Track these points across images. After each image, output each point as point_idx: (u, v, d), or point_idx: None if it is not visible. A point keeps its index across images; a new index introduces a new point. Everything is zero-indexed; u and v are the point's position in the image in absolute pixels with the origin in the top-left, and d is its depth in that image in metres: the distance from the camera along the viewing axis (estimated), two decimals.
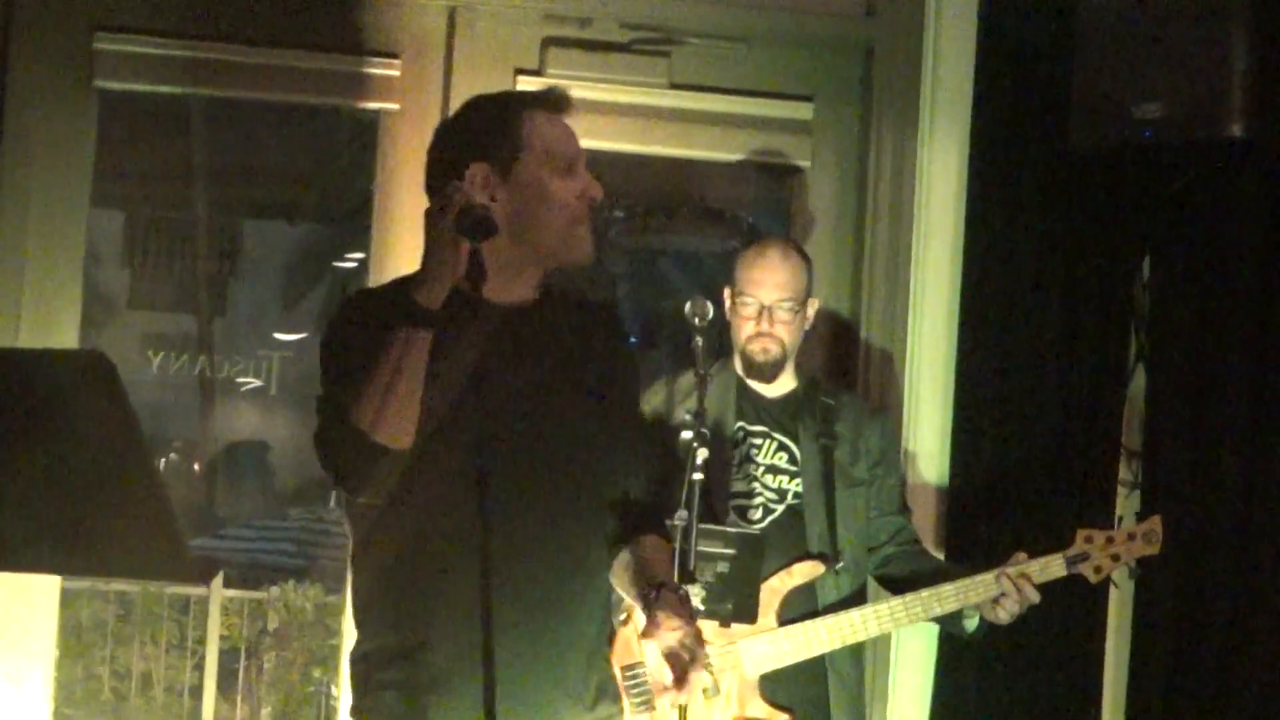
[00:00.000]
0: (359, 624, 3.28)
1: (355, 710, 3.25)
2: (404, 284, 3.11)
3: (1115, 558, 4.34)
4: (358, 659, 3.26)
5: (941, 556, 4.87)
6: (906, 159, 5.10)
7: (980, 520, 4.89)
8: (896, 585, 4.45)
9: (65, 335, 4.87)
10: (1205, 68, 4.47)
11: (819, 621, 4.30)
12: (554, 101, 3.25)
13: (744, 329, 4.43)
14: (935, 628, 4.63)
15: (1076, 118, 4.70)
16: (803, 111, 5.24)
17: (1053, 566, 4.31)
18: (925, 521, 4.96)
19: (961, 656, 4.80)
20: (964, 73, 5.04)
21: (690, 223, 6.02)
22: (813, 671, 4.34)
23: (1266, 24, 4.48)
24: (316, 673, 7.52)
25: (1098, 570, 4.33)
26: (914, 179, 5.08)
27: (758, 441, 4.44)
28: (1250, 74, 4.45)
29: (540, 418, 3.09)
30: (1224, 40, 4.46)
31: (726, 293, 4.49)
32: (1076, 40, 4.71)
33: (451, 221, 2.98)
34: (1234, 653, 4.74)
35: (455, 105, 4.95)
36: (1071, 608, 4.74)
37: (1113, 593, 4.89)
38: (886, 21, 5.18)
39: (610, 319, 3.39)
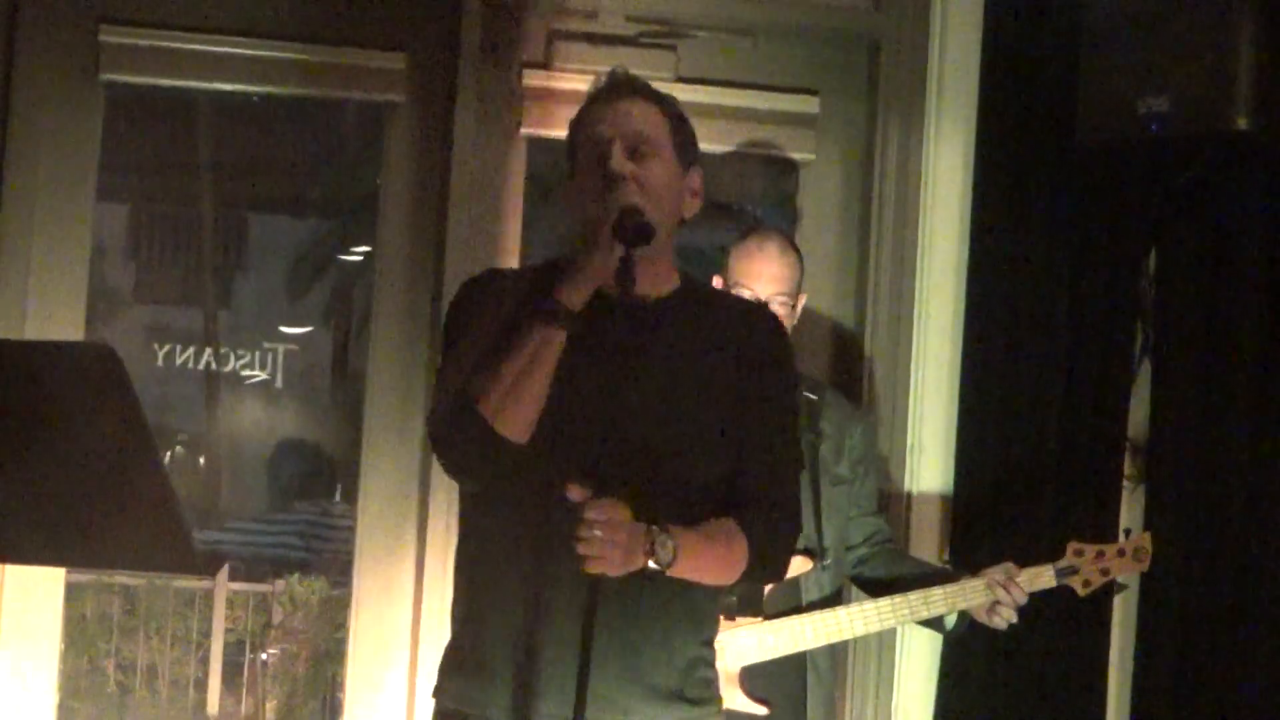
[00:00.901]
0: (455, 617, 3.26)
1: (439, 690, 3.24)
2: (548, 271, 3.13)
3: (1104, 572, 4.35)
4: (450, 648, 3.25)
5: (946, 551, 4.88)
6: (912, 152, 5.10)
7: (985, 513, 4.89)
8: (873, 587, 4.45)
9: (71, 328, 4.87)
10: (1212, 61, 4.47)
11: (805, 618, 4.30)
12: (602, 86, 3.22)
13: None
14: None
15: (1082, 111, 4.70)
16: (808, 105, 5.24)
17: (1043, 577, 4.32)
18: (930, 515, 4.97)
19: (967, 652, 4.79)
20: (970, 66, 5.04)
21: (696, 216, 6.00)
22: (792, 666, 4.35)
23: (1273, 17, 4.47)
24: (322, 666, 7.52)
25: (1086, 584, 4.34)
26: (920, 173, 5.07)
27: None
28: (1257, 67, 4.44)
29: (656, 418, 3.06)
30: (1230, 34, 4.45)
31: (717, 282, 4.48)
32: (1083, 34, 4.71)
33: (610, 227, 2.99)
34: (1241, 647, 4.73)
35: (461, 98, 5.00)
36: (1076, 604, 4.73)
37: (1118, 601, 4.88)
38: (892, 15, 5.18)
39: (756, 318, 3.34)
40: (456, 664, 3.22)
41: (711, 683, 3.24)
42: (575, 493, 2.87)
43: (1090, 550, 4.35)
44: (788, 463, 3.30)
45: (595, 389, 3.02)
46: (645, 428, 3.04)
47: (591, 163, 3.12)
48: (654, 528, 2.97)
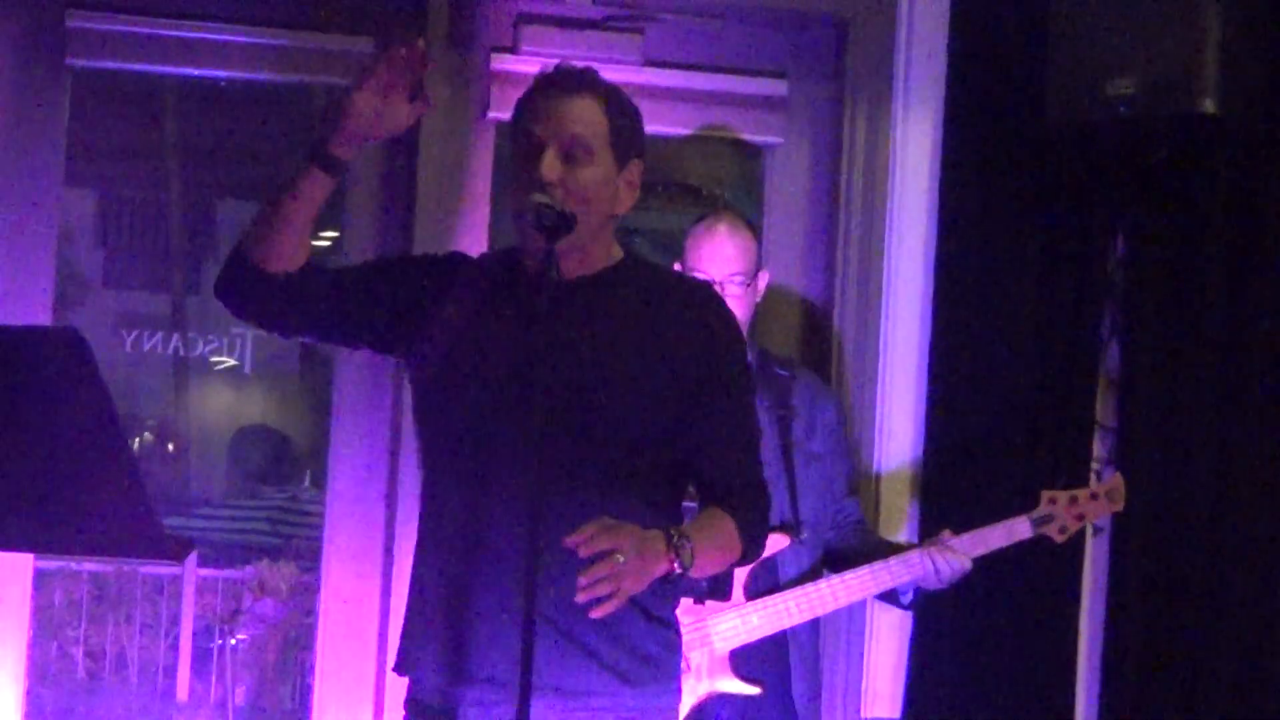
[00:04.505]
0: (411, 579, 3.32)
1: (399, 665, 3.29)
2: (505, 256, 3.32)
3: (1080, 517, 4.39)
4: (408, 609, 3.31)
5: (916, 532, 4.89)
6: (881, 134, 5.10)
7: (954, 496, 4.90)
8: (838, 561, 4.47)
9: (38, 314, 4.85)
10: (1178, 44, 4.48)
11: (787, 595, 4.31)
12: (548, 77, 3.24)
13: None
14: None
15: (1050, 94, 4.70)
16: (776, 88, 5.23)
17: (1018, 529, 4.35)
18: (900, 498, 4.97)
19: (938, 624, 4.81)
20: (938, 48, 5.04)
21: (664, 200, 6.01)
22: (776, 644, 4.36)
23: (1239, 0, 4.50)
24: (291, 652, 7.52)
25: (1063, 530, 4.38)
26: (888, 155, 5.07)
27: None
28: (1223, 50, 4.46)
29: (581, 384, 3.09)
30: (1196, 16, 4.47)
31: (677, 269, 4.51)
32: (1050, 16, 4.72)
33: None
34: (1208, 625, 4.77)
35: (428, 83, 4.98)
36: (1046, 577, 4.76)
37: (1087, 566, 4.91)
38: None
39: (698, 296, 3.34)
40: (405, 629, 3.29)
41: (659, 661, 3.23)
42: (573, 540, 2.90)
43: (1064, 496, 4.38)
44: (754, 442, 3.36)
45: (522, 361, 3.10)
46: (571, 393, 3.07)
47: (524, 157, 3.18)
48: (670, 532, 3.03)
